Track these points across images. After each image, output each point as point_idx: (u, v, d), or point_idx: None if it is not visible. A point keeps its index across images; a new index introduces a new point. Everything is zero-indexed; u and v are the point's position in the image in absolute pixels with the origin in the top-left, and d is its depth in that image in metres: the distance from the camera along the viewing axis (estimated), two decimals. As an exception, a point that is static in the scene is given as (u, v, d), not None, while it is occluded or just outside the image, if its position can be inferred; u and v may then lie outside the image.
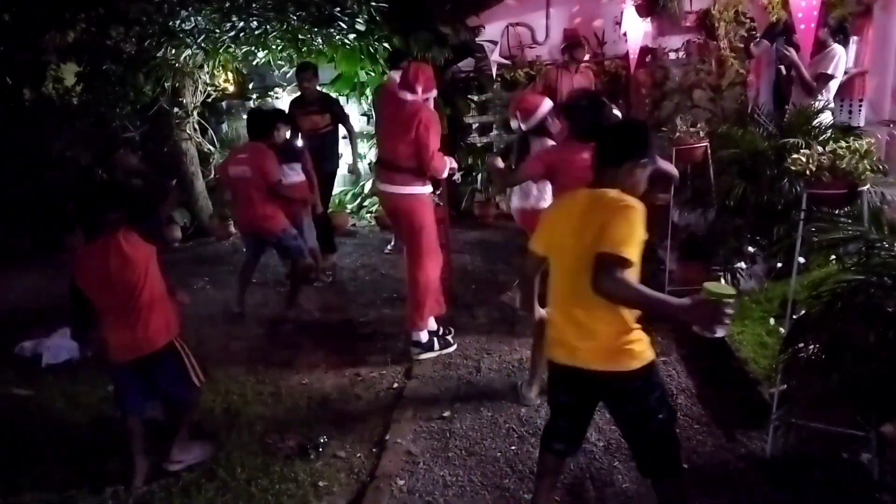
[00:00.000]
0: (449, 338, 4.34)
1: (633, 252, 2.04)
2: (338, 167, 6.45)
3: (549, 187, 3.86)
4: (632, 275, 2.07)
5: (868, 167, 2.83)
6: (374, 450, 3.29)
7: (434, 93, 4.15)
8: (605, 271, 2.01)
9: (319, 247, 5.72)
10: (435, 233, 4.24)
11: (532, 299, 2.67)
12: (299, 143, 5.57)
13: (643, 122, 2.50)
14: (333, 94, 6.83)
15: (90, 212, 3.15)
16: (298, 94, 6.16)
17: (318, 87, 6.14)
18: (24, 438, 3.52)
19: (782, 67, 5.37)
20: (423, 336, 4.21)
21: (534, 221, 3.30)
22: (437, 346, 4.24)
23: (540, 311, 2.68)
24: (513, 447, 3.23)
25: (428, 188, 4.18)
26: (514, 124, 4.26)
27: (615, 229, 2.05)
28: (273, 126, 4.96)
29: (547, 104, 4.10)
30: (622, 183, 2.23)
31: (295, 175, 5.27)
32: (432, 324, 4.34)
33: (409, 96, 4.02)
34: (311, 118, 5.86)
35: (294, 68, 7.13)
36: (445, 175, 4.23)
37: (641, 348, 2.21)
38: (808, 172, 2.90)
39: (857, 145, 2.88)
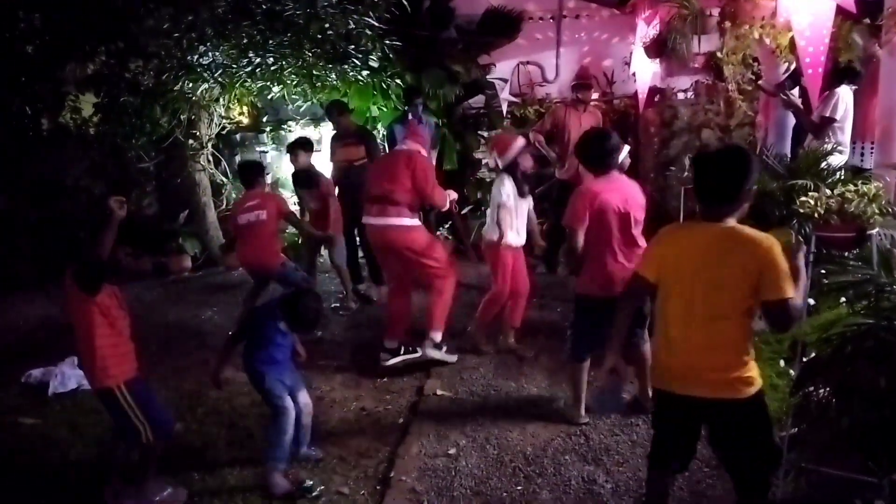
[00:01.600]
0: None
1: (791, 286, 2.21)
2: None
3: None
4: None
5: (877, 210, 2.84)
6: (378, 487, 3.25)
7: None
8: (784, 315, 2.21)
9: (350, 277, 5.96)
10: (442, 250, 4.60)
11: (624, 333, 2.75)
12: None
13: (742, 149, 2.54)
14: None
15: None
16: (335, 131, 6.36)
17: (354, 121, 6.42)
18: (29, 467, 3.51)
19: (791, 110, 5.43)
20: (438, 336, 4.52)
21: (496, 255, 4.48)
22: (444, 349, 4.56)
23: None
24: (518, 487, 3.19)
25: (415, 220, 4.52)
26: (491, 162, 4.71)
27: (777, 273, 2.19)
28: (262, 173, 5.31)
29: (520, 142, 4.56)
30: (739, 213, 2.35)
31: (311, 201, 5.57)
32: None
33: (404, 146, 4.62)
34: (347, 150, 6.03)
35: (307, 102, 7.30)
36: (447, 207, 4.66)
37: (756, 375, 2.34)
38: (816, 215, 2.92)
39: (865, 189, 2.89)
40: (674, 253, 2.41)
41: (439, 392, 4.22)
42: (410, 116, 6.24)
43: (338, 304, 6.01)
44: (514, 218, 4.52)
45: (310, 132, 7.90)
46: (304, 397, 3.41)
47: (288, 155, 5.96)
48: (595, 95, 7.05)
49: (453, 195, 4.76)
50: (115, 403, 2.99)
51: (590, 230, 3.44)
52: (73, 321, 2.98)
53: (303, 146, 5.83)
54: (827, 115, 4.97)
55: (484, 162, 7.73)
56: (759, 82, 5.79)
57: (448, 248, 6.01)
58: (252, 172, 5.21)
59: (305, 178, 5.69)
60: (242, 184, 5.35)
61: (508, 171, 4.52)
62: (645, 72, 7.41)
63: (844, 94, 5.00)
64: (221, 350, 3.42)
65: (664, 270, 2.42)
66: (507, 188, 4.49)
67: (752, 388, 2.32)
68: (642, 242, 3.45)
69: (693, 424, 2.52)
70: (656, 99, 7.75)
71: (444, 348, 4.58)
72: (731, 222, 2.32)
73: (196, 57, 6.09)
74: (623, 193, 3.48)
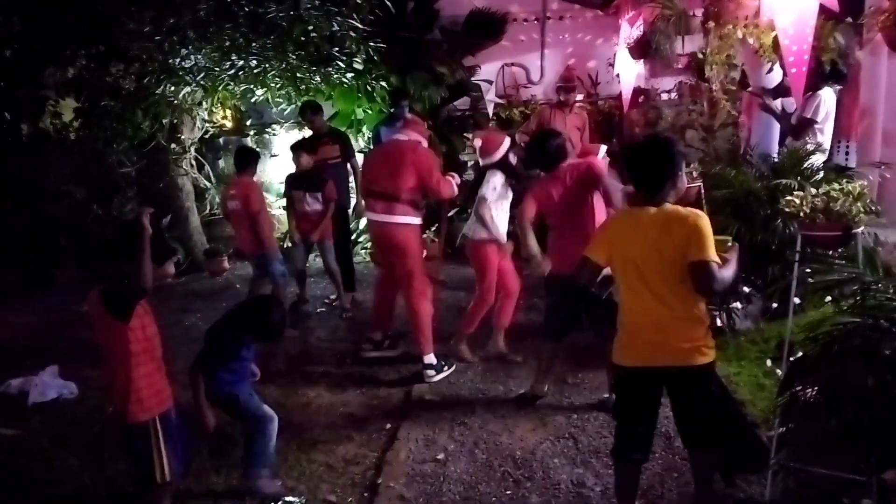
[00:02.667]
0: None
1: (713, 252, 2.43)
2: (349, 203, 6.47)
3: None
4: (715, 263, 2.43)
5: (862, 209, 2.85)
6: (365, 494, 3.22)
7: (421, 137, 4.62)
8: (709, 276, 2.40)
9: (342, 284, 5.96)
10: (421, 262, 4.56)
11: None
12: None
13: (661, 140, 2.85)
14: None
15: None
16: (310, 133, 6.29)
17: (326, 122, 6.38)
18: (9, 479, 3.43)
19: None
20: (432, 358, 4.43)
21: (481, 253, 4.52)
22: (446, 367, 4.48)
23: None
24: (508, 491, 3.17)
25: (419, 219, 4.54)
26: (479, 161, 4.66)
27: (701, 240, 2.42)
28: (255, 161, 5.53)
29: (507, 142, 4.54)
30: (668, 198, 2.57)
31: (315, 203, 5.64)
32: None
33: (403, 136, 4.58)
34: (323, 149, 5.96)
35: (291, 105, 7.24)
36: (455, 192, 4.61)
37: (711, 346, 2.58)
38: (802, 214, 2.92)
39: (850, 187, 2.90)
40: (621, 237, 2.62)
41: (427, 397, 4.19)
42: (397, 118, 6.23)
43: (323, 309, 5.97)
44: (495, 214, 4.46)
45: (294, 135, 7.84)
46: None
47: (291, 155, 5.84)
48: (580, 97, 7.06)
49: (456, 178, 4.70)
50: (142, 438, 2.67)
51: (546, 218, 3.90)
52: (103, 346, 2.70)
53: (306, 148, 5.79)
54: (808, 116, 5.00)
55: (470, 164, 7.72)
56: (749, 90, 5.81)
57: (436, 251, 5.96)
58: (243, 158, 5.44)
59: (309, 180, 5.65)
60: (234, 167, 5.56)
61: (501, 166, 4.48)
62: (629, 73, 7.43)
63: (827, 97, 5.04)
64: (191, 383, 3.05)
65: (615, 253, 2.62)
66: (494, 182, 4.42)
67: (708, 357, 2.56)
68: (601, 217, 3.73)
69: (654, 397, 2.68)
70: (640, 100, 7.79)
71: (444, 365, 4.48)
72: (667, 205, 2.55)
73: (178, 60, 6.03)
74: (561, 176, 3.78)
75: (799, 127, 5.09)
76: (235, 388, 3.10)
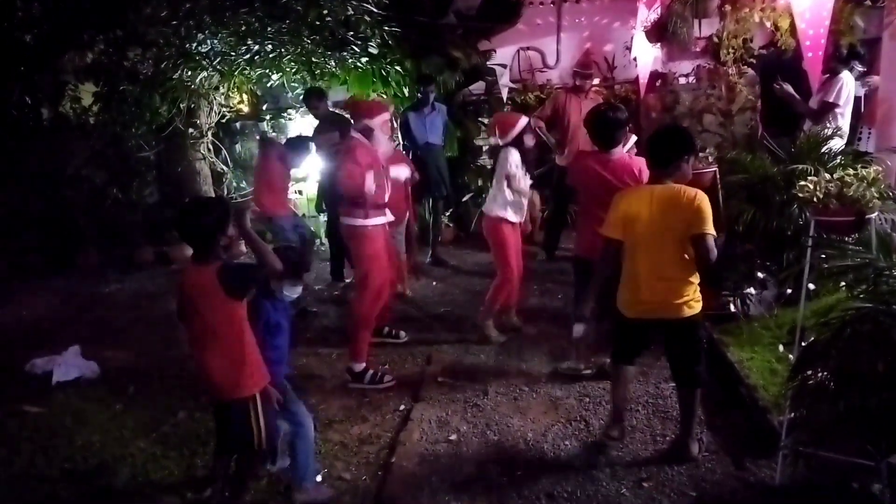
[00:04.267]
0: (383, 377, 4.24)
1: (712, 227, 2.88)
2: None
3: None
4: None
5: (876, 194, 2.83)
6: (379, 473, 3.28)
7: (378, 119, 4.26)
8: (704, 246, 2.86)
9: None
10: (378, 269, 4.18)
11: (598, 287, 3.29)
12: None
13: (680, 127, 3.37)
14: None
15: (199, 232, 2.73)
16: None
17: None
18: (34, 455, 3.54)
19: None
20: (358, 367, 4.19)
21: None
22: (367, 379, 4.17)
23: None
24: (519, 472, 3.21)
25: (365, 221, 4.11)
26: (493, 141, 4.71)
27: (702, 216, 2.85)
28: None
29: (523, 121, 4.52)
30: (672, 176, 2.98)
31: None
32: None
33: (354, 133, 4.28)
34: (329, 136, 5.85)
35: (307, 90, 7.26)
36: (371, 190, 4.01)
37: (699, 299, 3.05)
38: (815, 199, 2.91)
39: (864, 173, 2.88)
40: (631, 210, 3.00)
41: (441, 379, 4.24)
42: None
43: (338, 292, 6.00)
44: (516, 192, 4.48)
45: (310, 120, 7.87)
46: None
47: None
48: (596, 81, 7.00)
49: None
50: (243, 414, 2.72)
51: (580, 198, 4.06)
52: (210, 325, 2.68)
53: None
54: (830, 100, 4.94)
55: (485, 148, 7.72)
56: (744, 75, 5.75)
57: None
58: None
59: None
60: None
61: (514, 144, 4.46)
62: (646, 56, 7.36)
63: (848, 80, 4.97)
64: None
65: (626, 227, 3.02)
66: (512, 159, 4.42)
67: (694, 310, 3.02)
68: None
69: (647, 338, 3.31)
70: (658, 84, 7.71)
71: (368, 376, 4.19)
72: (669, 182, 2.97)
73: (194, 45, 6.07)
74: (615, 167, 3.77)
75: (820, 111, 5.03)
76: (274, 368, 2.92)
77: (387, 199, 4.27)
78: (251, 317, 2.82)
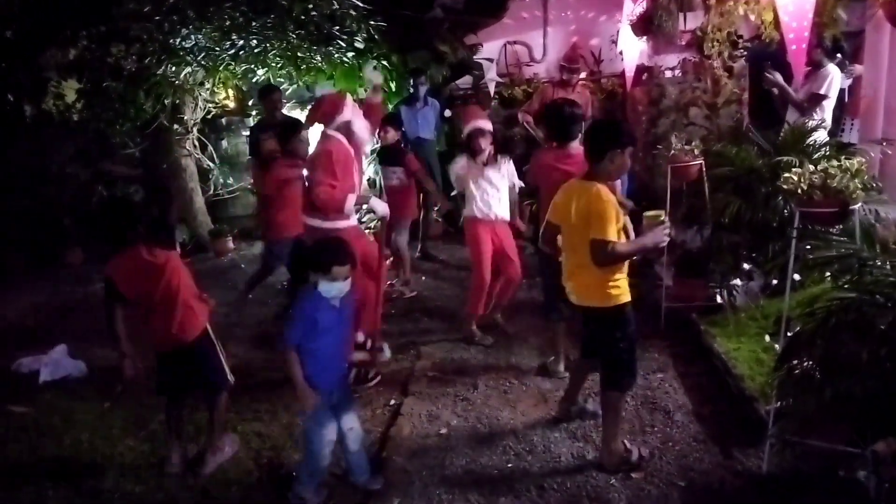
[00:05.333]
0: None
1: (612, 231, 2.84)
2: None
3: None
4: (615, 240, 2.86)
5: (859, 185, 2.86)
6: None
7: (339, 118, 4.00)
8: (599, 252, 2.84)
9: None
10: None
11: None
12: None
13: (613, 120, 3.42)
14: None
15: (112, 228, 3.22)
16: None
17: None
18: (21, 455, 3.52)
19: (774, 89, 5.43)
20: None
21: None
22: (351, 377, 3.91)
23: None
24: (509, 465, 3.23)
25: (323, 222, 3.99)
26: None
27: (597, 219, 2.85)
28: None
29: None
30: (605, 170, 2.98)
31: (394, 178, 5.65)
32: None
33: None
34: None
35: (293, 85, 7.23)
36: (349, 211, 3.98)
37: (617, 293, 3.01)
38: (799, 191, 2.93)
39: (848, 164, 2.91)
40: (562, 202, 3.10)
41: (430, 373, 4.24)
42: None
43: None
44: (475, 189, 4.50)
45: (296, 115, 7.83)
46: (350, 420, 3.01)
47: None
48: (583, 74, 7.01)
49: (351, 203, 3.98)
50: (210, 346, 3.21)
51: (540, 193, 4.05)
52: (163, 292, 3.09)
53: (391, 122, 5.62)
54: (822, 92, 4.97)
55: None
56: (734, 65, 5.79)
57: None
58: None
59: (390, 155, 5.61)
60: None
61: (464, 147, 4.61)
62: (632, 50, 7.37)
63: (835, 72, 5.01)
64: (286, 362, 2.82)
65: (560, 217, 3.12)
66: (460, 162, 4.62)
67: (613, 301, 3.01)
68: None
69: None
70: (644, 77, 7.72)
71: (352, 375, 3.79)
72: (601, 176, 2.98)
73: (178, 40, 6.02)
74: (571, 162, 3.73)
75: (810, 103, 5.06)
76: (310, 370, 2.81)
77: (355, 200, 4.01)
78: (292, 313, 2.85)
